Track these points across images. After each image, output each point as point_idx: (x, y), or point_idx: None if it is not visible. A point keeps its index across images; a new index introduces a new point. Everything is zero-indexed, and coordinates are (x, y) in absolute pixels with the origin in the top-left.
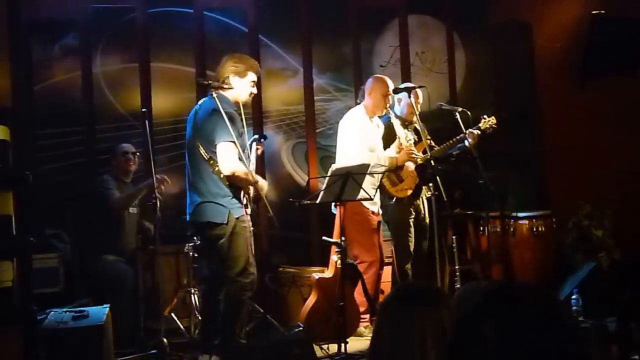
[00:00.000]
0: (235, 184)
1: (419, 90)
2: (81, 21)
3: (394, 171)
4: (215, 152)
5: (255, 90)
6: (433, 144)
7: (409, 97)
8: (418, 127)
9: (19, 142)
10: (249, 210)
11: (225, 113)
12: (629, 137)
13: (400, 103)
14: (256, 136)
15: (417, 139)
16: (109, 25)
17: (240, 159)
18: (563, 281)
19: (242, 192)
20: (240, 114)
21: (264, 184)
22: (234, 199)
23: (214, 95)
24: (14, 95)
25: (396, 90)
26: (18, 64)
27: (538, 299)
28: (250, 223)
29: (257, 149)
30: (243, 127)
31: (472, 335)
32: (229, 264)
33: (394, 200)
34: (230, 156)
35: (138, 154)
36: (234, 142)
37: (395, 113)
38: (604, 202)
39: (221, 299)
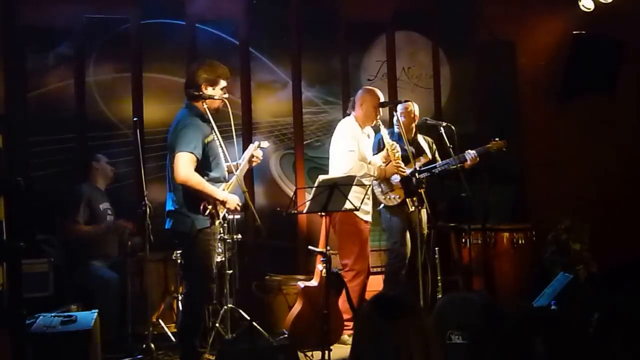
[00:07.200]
0: (195, 195)
1: (415, 106)
2: (75, 31)
3: (385, 180)
4: None
5: (226, 96)
6: (437, 156)
7: (395, 113)
8: (421, 142)
9: (12, 149)
10: (217, 222)
11: (189, 124)
12: (608, 154)
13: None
14: (256, 143)
15: (415, 153)
16: (103, 35)
17: (205, 167)
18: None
19: (208, 204)
20: (210, 121)
21: (229, 198)
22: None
23: (185, 105)
24: (8, 102)
25: (382, 104)
26: (12, 72)
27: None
28: (217, 236)
29: (253, 158)
30: (213, 134)
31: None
32: (186, 274)
33: (381, 206)
34: (182, 166)
35: None
36: (191, 152)
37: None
38: (583, 216)
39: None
